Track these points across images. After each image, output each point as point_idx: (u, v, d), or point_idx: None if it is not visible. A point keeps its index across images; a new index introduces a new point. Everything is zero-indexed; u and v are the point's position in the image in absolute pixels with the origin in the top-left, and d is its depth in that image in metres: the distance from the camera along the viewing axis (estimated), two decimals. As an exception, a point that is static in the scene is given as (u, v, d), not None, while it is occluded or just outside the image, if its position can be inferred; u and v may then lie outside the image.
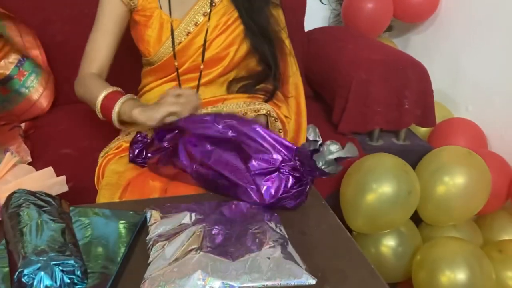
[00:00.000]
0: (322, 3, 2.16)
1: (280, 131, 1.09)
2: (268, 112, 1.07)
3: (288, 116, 1.13)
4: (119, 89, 1.04)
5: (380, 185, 1.27)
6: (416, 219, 1.43)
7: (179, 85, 1.13)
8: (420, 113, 1.44)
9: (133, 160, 1.00)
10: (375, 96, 1.39)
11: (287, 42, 1.19)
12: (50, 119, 1.45)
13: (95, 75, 1.09)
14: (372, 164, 1.32)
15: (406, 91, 1.41)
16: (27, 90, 1.45)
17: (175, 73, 1.13)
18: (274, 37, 1.12)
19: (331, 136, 1.43)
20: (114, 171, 1.02)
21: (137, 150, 0.99)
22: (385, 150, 1.39)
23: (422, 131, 1.71)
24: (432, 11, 1.91)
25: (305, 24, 1.84)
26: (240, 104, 1.08)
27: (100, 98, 1.01)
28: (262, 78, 1.13)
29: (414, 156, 1.42)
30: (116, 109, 0.98)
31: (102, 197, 0.97)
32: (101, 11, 1.11)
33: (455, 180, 1.32)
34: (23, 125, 1.33)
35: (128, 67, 1.24)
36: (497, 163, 1.48)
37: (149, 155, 0.98)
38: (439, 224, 1.43)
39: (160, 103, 0.92)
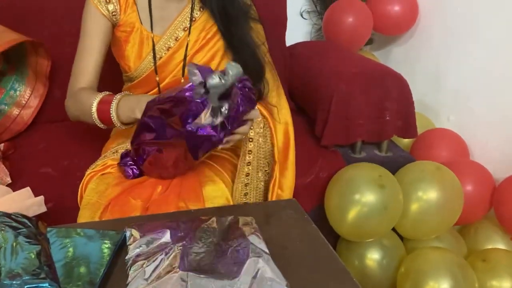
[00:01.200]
0: (303, 18, 2.19)
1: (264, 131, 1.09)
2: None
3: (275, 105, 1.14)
4: (111, 93, 1.03)
5: (361, 196, 1.28)
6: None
7: None
8: (401, 125, 1.45)
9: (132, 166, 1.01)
10: (356, 109, 1.40)
11: (268, 56, 1.19)
12: (29, 138, 1.44)
13: (85, 88, 1.08)
14: (352, 174, 1.34)
15: (386, 103, 1.42)
16: (6, 107, 1.43)
17: (156, 89, 1.12)
18: (255, 49, 1.12)
19: (314, 149, 1.45)
20: (95, 190, 1.00)
21: (128, 163, 1.00)
22: (368, 162, 1.39)
23: (405, 142, 1.73)
24: (411, 24, 1.94)
25: (287, 39, 1.86)
26: None
27: (95, 103, 0.99)
28: None
29: (396, 167, 1.43)
30: (113, 106, 0.97)
31: (82, 217, 0.95)
32: (85, 30, 1.10)
33: (428, 195, 1.33)
34: (1, 145, 1.31)
35: (111, 84, 1.23)
36: (479, 173, 1.50)
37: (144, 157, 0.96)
38: (417, 239, 1.44)
39: None
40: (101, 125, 1.02)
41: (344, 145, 1.49)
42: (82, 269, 0.68)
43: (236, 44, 1.11)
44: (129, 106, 0.96)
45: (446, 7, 1.82)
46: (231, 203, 1.00)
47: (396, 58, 2.13)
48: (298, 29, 2.17)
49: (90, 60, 1.08)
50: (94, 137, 1.30)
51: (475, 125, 1.68)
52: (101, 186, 1.00)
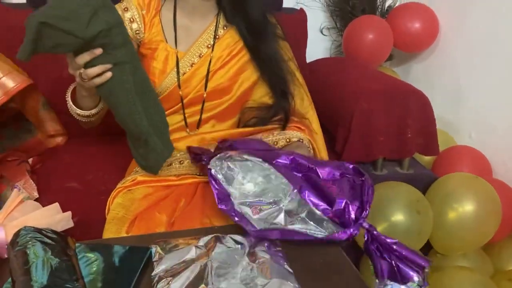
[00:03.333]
0: (323, 34, 2.21)
1: (310, 150, 1.10)
2: (301, 140, 1.08)
3: (315, 132, 1.17)
4: None
5: (396, 219, 1.29)
6: (425, 248, 1.42)
7: (184, 115, 1.15)
8: (423, 142, 1.45)
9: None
10: (377, 126, 1.40)
11: (298, 73, 1.21)
12: (55, 153, 1.47)
13: None
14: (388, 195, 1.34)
15: (408, 120, 1.42)
16: (36, 130, 1.46)
17: (180, 104, 1.15)
18: (283, 66, 1.14)
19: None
20: (122, 204, 1.02)
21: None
22: (389, 179, 1.39)
23: (426, 159, 1.72)
24: (432, 41, 1.94)
25: (308, 55, 1.88)
26: (268, 135, 1.09)
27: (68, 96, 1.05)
28: (275, 110, 1.14)
29: (418, 184, 1.42)
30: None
31: (109, 232, 0.97)
32: None
33: (464, 207, 1.32)
34: (30, 160, 1.34)
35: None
36: (503, 191, 1.48)
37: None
38: (450, 253, 1.42)
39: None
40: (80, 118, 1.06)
41: (365, 162, 1.49)
42: (109, 285, 0.69)
43: (263, 58, 1.12)
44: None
45: (467, 24, 1.82)
46: None
47: (417, 74, 2.13)
48: (317, 45, 2.19)
49: None
50: (118, 153, 1.33)
51: (497, 142, 1.66)
52: (127, 201, 1.02)
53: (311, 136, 1.11)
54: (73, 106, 1.03)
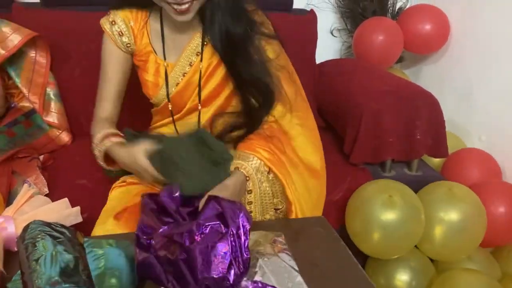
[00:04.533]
0: (333, 35, 2.21)
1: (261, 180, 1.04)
2: (247, 177, 1.01)
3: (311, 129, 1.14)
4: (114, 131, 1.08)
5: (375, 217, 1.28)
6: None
7: (175, 127, 1.15)
8: (431, 144, 1.44)
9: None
10: (386, 127, 1.40)
11: (286, 72, 1.13)
12: (66, 151, 1.49)
13: (102, 124, 1.11)
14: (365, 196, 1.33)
15: (417, 122, 1.41)
16: (47, 127, 1.49)
17: (170, 118, 1.15)
18: (261, 75, 1.06)
19: (343, 166, 1.45)
20: (115, 197, 1.07)
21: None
22: (398, 180, 1.38)
23: (436, 161, 1.71)
24: (443, 43, 1.93)
25: (318, 56, 1.88)
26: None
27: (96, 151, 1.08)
28: (242, 121, 1.09)
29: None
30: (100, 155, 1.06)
31: (100, 220, 1.00)
32: (104, 61, 1.13)
33: (449, 215, 1.31)
34: (41, 157, 1.36)
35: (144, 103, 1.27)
36: (512, 194, 1.47)
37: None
38: (443, 260, 1.42)
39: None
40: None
41: (374, 163, 1.49)
42: (116, 280, 0.70)
43: (238, 71, 1.07)
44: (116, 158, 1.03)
45: (478, 26, 1.81)
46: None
47: (427, 76, 2.12)
48: (328, 46, 2.19)
49: (110, 90, 1.13)
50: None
51: (507, 145, 1.65)
52: (120, 194, 1.06)
53: (280, 158, 1.05)
54: (104, 164, 1.08)
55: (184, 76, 1.10)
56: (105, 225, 0.96)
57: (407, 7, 2.09)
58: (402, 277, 1.37)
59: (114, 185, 1.13)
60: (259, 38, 1.07)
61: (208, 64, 1.09)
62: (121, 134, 1.08)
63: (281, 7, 1.81)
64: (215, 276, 0.67)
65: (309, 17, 1.84)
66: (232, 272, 0.68)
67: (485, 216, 1.34)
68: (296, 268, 0.72)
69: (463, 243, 1.33)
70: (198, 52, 1.09)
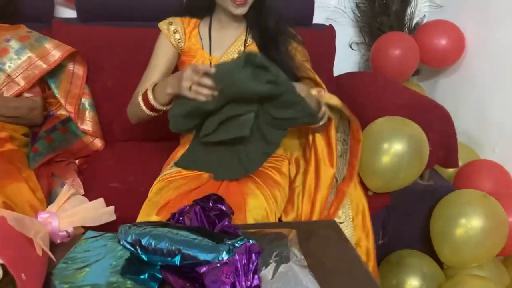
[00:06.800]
0: (352, 49, 2.28)
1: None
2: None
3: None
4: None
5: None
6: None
7: None
8: (443, 154, 1.49)
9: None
10: (399, 139, 1.45)
11: (310, 73, 1.34)
12: (100, 156, 1.60)
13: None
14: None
15: (429, 134, 1.46)
16: (82, 134, 1.60)
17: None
18: (292, 65, 1.29)
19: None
20: (158, 191, 1.16)
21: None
22: (409, 190, 1.44)
23: (448, 172, 1.75)
24: (458, 57, 1.98)
25: (338, 68, 1.96)
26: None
27: (141, 94, 1.22)
28: None
29: (437, 196, 1.47)
30: (150, 90, 1.19)
31: (143, 213, 1.10)
32: (155, 53, 1.35)
33: (472, 222, 1.35)
34: (77, 161, 1.48)
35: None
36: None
37: None
38: (457, 266, 1.45)
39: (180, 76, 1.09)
40: (149, 112, 1.22)
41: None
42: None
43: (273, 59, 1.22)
44: (161, 86, 1.17)
45: (492, 41, 1.85)
46: (269, 214, 1.10)
47: (443, 89, 2.16)
48: (347, 59, 2.26)
49: (152, 76, 1.31)
50: (155, 157, 1.46)
51: (520, 157, 1.69)
52: (163, 188, 1.16)
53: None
54: (153, 99, 1.19)
55: None
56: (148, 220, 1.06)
57: (424, 22, 2.15)
58: (413, 282, 1.42)
59: (155, 181, 1.21)
60: (291, 41, 1.32)
61: None
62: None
63: (301, 21, 1.90)
64: None
65: (327, 32, 1.92)
66: None
67: (507, 226, 1.38)
68: (305, 263, 0.79)
69: (484, 251, 1.38)
70: (240, 51, 1.30)
